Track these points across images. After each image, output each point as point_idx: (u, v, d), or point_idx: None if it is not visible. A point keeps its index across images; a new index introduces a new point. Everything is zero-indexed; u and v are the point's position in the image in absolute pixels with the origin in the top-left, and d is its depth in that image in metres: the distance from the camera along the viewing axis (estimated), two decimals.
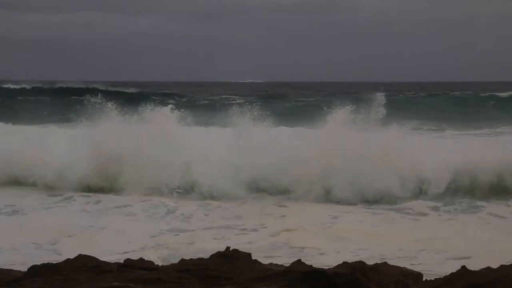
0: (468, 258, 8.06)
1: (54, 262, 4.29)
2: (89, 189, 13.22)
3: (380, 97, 14.29)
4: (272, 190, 12.84)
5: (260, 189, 12.92)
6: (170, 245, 8.91)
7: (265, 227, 10.06)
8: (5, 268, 4.76)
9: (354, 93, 41.82)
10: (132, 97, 32.52)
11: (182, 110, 15.42)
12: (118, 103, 15.30)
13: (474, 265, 4.29)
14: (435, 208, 11.67)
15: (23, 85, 37.95)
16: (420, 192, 12.61)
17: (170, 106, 15.54)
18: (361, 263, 4.15)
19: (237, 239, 9.22)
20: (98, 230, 10.00)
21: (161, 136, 14.25)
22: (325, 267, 4.29)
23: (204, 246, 8.51)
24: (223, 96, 38.76)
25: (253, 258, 4.40)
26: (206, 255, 4.48)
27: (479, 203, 11.98)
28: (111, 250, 8.27)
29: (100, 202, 12.21)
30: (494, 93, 37.05)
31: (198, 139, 14.93)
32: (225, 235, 9.55)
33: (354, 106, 13.99)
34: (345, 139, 13.12)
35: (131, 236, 9.46)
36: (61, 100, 31.27)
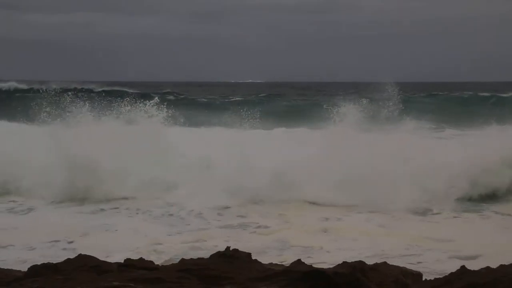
0: (475, 258, 8.06)
1: (54, 262, 4.30)
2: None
3: (392, 94, 14.07)
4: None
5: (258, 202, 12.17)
6: (183, 243, 8.93)
7: (268, 227, 10.07)
8: (5, 268, 4.77)
9: (355, 93, 41.82)
10: (131, 96, 32.45)
11: (171, 108, 14.31)
12: (117, 103, 14.85)
13: (486, 264, 4.28)
14: (441, 207, 11.63)
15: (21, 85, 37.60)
16: (430, 196, 12.20)
17: (155, 99, 14.16)
18: (361, 263, 4.15)
19: (240, 238, 9.24)
20: (112, 229, 9.99)
21: (142, 144, 13.05)
22: (326, 267, 4.30)
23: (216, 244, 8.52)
24: (223, 95, 38.78)
25: (254, 258, 4.40)
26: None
27: (485, 201, 12.00)
28: (125, 249, 8.30)
29: (111, 201, 12.08)
30: (494, 93, 37.05)
31: (190, 144, 13.85)
32: (235, 235, 9.57)
33: (362, 106, 13.83)
34: (352, 142, 12.76)
35: (144, 235, 9.48)
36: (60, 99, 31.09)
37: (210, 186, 12.06)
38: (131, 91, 34.43)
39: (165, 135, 13.53)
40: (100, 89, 32.35)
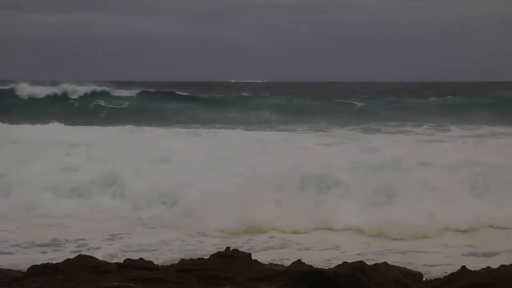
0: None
1: (54, 262, 4.30)
2: None
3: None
4: None
5: None
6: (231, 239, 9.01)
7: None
8: (5, 268, 4.77)
9: (356, 93, 41.89)
10: (132, 97, 32.39)
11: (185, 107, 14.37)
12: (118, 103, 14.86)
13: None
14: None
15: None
16: None
17: None
18: (361, 263, 4.15)
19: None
20: (153, 227, 9.94)
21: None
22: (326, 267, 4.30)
23: None
24: (223, 95, 38.65)
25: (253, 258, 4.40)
26: None
27: None
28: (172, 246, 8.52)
29: None
30: (494, 93, 37.05)
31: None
32: None
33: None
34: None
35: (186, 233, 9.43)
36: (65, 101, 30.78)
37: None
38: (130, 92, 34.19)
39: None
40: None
